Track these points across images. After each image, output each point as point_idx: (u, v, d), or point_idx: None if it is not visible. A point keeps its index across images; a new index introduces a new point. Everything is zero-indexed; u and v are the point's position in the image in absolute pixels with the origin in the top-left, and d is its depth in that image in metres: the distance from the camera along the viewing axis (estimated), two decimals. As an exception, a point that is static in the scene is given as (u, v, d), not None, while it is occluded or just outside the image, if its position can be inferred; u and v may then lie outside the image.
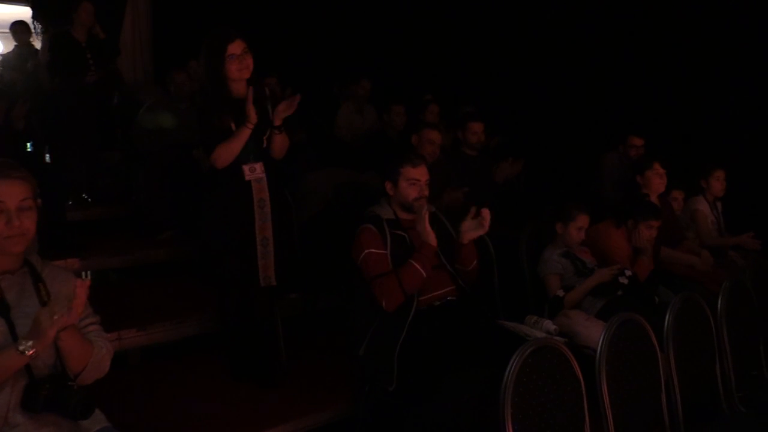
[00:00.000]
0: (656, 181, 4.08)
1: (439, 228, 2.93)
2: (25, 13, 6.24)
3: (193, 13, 6.22)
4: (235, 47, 2.88)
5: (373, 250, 2.80)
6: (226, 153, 2.90)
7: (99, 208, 5.04)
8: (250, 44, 2.95)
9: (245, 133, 2.89)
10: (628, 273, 3.30)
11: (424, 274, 2.77)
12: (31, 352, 1.64)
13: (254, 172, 2.96)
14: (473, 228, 2.92)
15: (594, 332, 2.79)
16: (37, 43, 5.97)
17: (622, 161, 4.95)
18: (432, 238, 2.79)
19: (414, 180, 2.91)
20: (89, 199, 5.13)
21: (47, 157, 5.33)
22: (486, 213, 2.88)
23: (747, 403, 2.83)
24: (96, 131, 5.08)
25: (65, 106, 4.85)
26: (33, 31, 5.93)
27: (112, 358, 1.95)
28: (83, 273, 4.00)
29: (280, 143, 3.04)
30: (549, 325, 2.78)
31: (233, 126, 2.91)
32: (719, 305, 2.89)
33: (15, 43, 6.09)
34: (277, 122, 2.98)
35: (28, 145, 5.38)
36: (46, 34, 5.00)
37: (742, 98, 5.08)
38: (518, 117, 6.01)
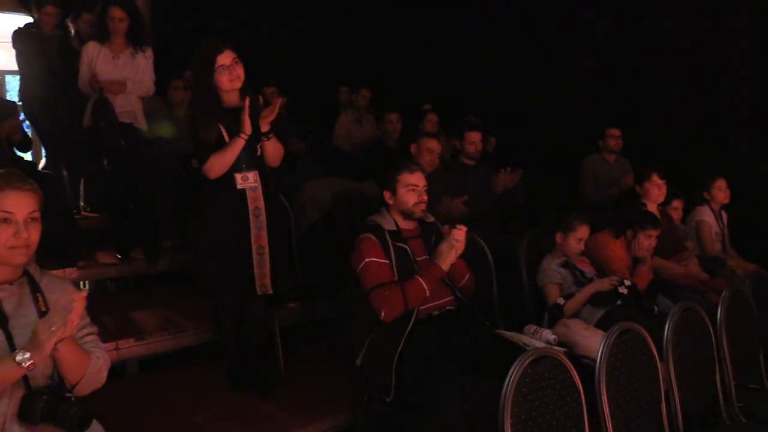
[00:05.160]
0: (655, 191, 4.09)
1: (437, 240, 2.93)
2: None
3: (191, 23, 6.24)
4: (225, 58, 2.86)
5: (373, 259, 2.79)
6: (219, 163, 2.88)
7: (98, 217, 5.03)
8: (247, 54, 2.94)
9: (239, 144, 2.87)
10: (627, 283, 3.29)
11: (428, 293, 2.77)
12: (29, 363, 1.64)
13: (247, 180, 2.94)
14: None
15: (593, 342, 2.79)
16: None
17: (603, 159, 5.11)
18: (447, 264, 2.78)
19: (412, 186, 2.90)
20: (88, 208, 5.12)
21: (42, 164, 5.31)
22: (457, 233, 2.78)
23: (747, 413, 2.82)
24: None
25: (66, 115, 4.83)
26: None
27: (108, 369, 1.94)
28: (81, 283, 3.99)
29: (271, 150, 3.01)
30: (548, 334, 2.77)
31: (225, 135, 2.90)
32: (719, 315, 2.88)
33: None
34: (264, 128, 2.96)
35: (29, 153, 5.38)
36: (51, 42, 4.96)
37: (742, 104, 5.11)
38: (516, 125, 6.01)
